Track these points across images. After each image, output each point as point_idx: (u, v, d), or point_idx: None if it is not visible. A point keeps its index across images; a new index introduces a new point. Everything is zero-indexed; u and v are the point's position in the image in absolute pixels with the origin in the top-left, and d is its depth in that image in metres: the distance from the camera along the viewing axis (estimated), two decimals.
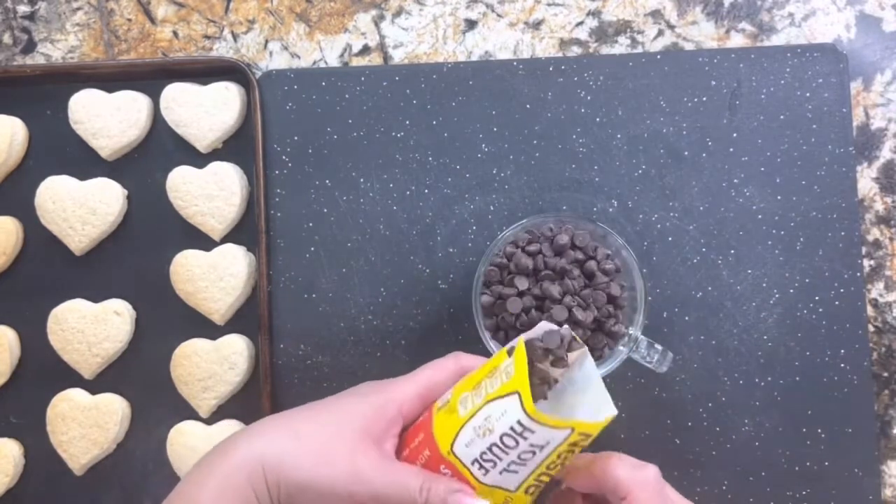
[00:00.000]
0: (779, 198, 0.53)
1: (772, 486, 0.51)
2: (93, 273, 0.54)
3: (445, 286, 0.53)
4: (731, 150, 0.53)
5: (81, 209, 0.53)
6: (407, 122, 0.54)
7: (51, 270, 0.54)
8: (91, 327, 0.52)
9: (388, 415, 0.39)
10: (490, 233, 0.53)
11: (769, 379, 0.52)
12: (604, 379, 0.37)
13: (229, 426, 0.52)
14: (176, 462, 0.52)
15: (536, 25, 0.55)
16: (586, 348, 0.38)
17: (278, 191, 0.54)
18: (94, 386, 0.53)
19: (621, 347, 0.47)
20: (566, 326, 0.38)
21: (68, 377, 0.53)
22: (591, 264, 0.46)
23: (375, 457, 0.37)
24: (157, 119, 0.54)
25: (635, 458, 0.39)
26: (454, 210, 0.53)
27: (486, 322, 0.47)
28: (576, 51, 0.55)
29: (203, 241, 0.53)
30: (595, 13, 0.55)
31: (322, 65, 0.56)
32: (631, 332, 0.47)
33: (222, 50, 0.56)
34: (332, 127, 0.54)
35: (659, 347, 0.47)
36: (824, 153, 0.53)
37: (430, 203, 0.53)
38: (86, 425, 0.52)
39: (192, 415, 0.52)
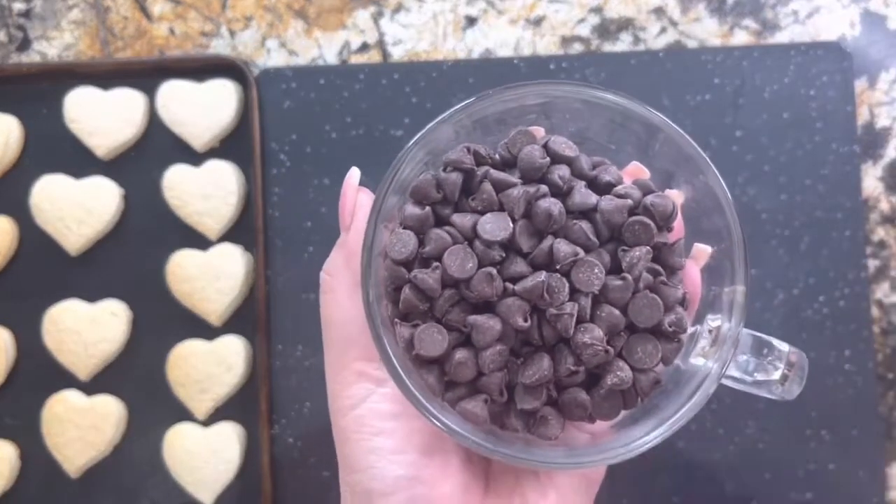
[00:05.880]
0: (783, 197, 0.52)
1: (775, 489, 0.51)
2: (89, 273, 0.53)
3: None
4: (735, 148, 0.52)
5: (77, 208, 0.52)
6: (406, 121, 0.53)
7: (46, 270, 0.53)
8: (87, 328, 0.52)
9: None
10: None
11: None
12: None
13: (226, 428, 0.51)
14: (172, 465, 0.51)
15: (537, 22, 0.55)
16: None
17: (276, 190, 0.53)
18: (90, 387, 0.52)
19: (700, 361, 0.29)
20: None
21: (64, 378, 0.52)
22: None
23: None
24: (153, 117, 0.54)
25: None
26: None
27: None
28: (577, 48, 0.55)
29: (200, 241, 0.53)
30: (597, 10, 0.55)
31: (320, 62, 0.55)
32: (712, 324, 0.28)
33: (219, 47, 0.56)
34: (331, 125, 0.53)
35: (783, 348, 0.27)
36: (828, 152, 0.52)
37: None
38: (82, 427, 0.51)
39: (188, 417, 0.52)
